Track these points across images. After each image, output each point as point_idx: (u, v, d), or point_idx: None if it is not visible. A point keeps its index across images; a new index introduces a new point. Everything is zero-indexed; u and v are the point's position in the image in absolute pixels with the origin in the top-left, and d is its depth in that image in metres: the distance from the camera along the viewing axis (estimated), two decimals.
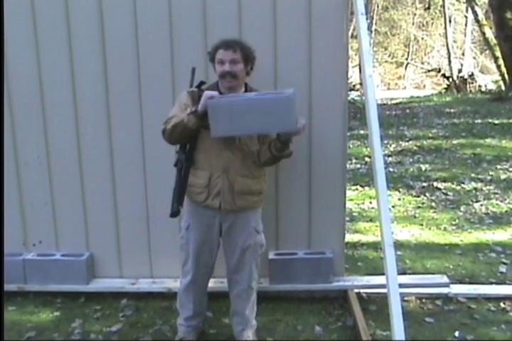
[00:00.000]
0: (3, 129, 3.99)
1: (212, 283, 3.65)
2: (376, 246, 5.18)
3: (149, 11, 3.82)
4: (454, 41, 27.65)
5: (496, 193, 7.02)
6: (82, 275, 4.10)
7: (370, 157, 5.33)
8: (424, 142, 10.28)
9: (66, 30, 3.89)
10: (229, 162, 3.23)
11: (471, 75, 22.41)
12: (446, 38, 25.84)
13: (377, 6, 30.15)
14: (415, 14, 30.99)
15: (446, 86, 23.16)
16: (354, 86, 16.08)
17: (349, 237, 5.37)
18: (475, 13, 20.55)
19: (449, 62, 25.04)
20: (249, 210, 3.36)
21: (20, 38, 3.91)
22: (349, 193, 6.79)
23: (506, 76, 17.15)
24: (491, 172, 8.03)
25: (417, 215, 6.30)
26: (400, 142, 10.43)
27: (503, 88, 17.81)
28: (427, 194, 7.12)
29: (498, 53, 18.04)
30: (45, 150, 4.07)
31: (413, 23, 31.25)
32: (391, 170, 8.35)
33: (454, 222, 5.99)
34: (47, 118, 4.03)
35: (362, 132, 11.06)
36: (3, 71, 3.94)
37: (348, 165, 7.71)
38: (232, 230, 3.36)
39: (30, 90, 3.99)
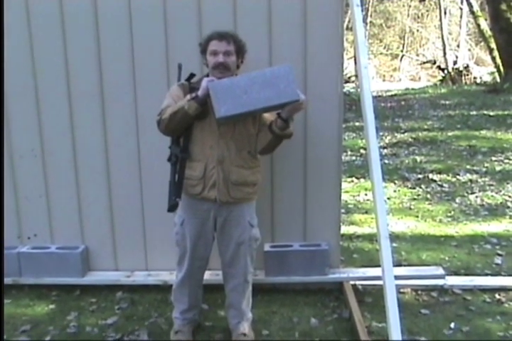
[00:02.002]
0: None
1: (207, 276, 3.65)
2: (372, 238, 5.18)
3: (144, 5, 3.80)
4: (449, 33, 27.64)
5: (491, 185, 7.04)
6: (77, 268, 4.09)
7: (365, 149, 5.33)
8: (420, 134, 10.28)
9: (60, 23, 3.86)
10: (224, 153, 3.22)
11: (466, 67, 22.44)
12: (442, 29, 25.82)
13: None
14: (410, 6, 30.92)
15: (441, 78, 23.21)
16: (349, 78, 16.11)
17: (345, 229, 5.39)
18: (470, 4, 20.53)
19: (444, 54, 25.04)
20: (243, 203, 3.35)
21: (14, 30, 3.89)
22: (345, 185, 6.81)
23: (501, 68, 17.14)
24: (486, 164, 8.03)
25: (412, 207, 6.31)
26: (396, 134, 10.43)
27: (498, 80, 17.81)
28: (423, 186, 7.12)
29: (493, 45, 18.03)
30: (39, 143, 4.05)
31: (408, 15, 31.20)
32: (386, 162, 8.36)
33: (449, 214, 6.00)
34: (41, 111, 4.01)
35: (357, 124, 11.06)
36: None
37: (343, 157, 7.74)
38: (227, 224, 3.35)
39: (24, 83, 3.97)
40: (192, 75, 3.37)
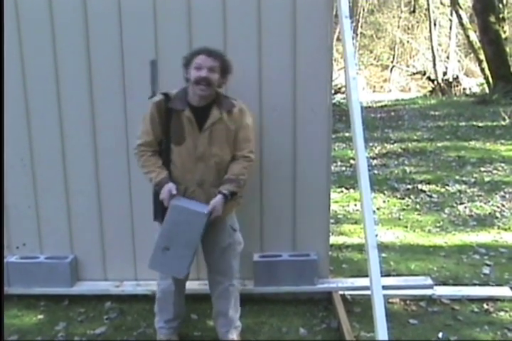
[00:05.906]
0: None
1: (196, 285, 3.66)
2: (361, 248, 5.18)
3: (134, 12, 3.82)
4: (439, 44, 27.79)
5: (480, 195, 7.06)
6: (66, 277, 4.08)
7: (354, 159, 5.37)
8: (409, 144, 10.32)
9: (50, 32, 3.87)
10: (203, 175, 3.25)
11: (456, 78, 22.59)
12: (431, 41, 25.98)
13: (363, 9, 30.27)
14: (400, 17, 31.10)
15: (431, 89, 23.32)
16: (340, 88, 16.13)
17: (334, 239, 5.39)
18: (459, 16, 20.65)
19: (434, 65, 25.15)
20: (225, 213, 3.36)
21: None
22: (334, 195, 6.81)
23: (490, 79, 17.25)
24: (475, 175, 8.07)
25: (401, 217, 6.33)
26: (385, 144, 10.46)
27: (487, 91, 17.90)
28: (412, 196, 7.14)
29: (482, 56, 18.14)
30: (28, 153, 4.05)
31: (398, 26, 31.34)
32: (376, 172, 8.39)
33: (438, 224, 6.02)
34: (30, 120, 4.01)
35: (347, 134, 11.05)
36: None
37: (333, 168, 7.75)
38: (210, 231, 3.33)
39: (13, 92, 3.96)
40: (166, 94, 3.34)
